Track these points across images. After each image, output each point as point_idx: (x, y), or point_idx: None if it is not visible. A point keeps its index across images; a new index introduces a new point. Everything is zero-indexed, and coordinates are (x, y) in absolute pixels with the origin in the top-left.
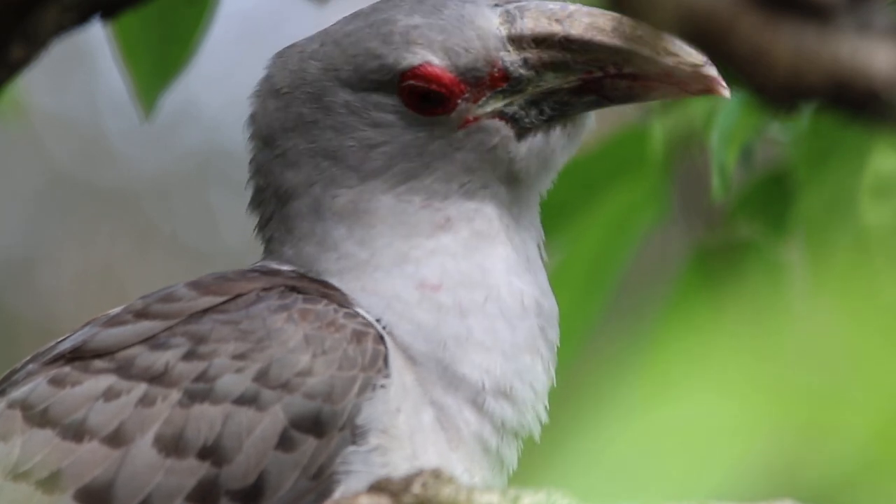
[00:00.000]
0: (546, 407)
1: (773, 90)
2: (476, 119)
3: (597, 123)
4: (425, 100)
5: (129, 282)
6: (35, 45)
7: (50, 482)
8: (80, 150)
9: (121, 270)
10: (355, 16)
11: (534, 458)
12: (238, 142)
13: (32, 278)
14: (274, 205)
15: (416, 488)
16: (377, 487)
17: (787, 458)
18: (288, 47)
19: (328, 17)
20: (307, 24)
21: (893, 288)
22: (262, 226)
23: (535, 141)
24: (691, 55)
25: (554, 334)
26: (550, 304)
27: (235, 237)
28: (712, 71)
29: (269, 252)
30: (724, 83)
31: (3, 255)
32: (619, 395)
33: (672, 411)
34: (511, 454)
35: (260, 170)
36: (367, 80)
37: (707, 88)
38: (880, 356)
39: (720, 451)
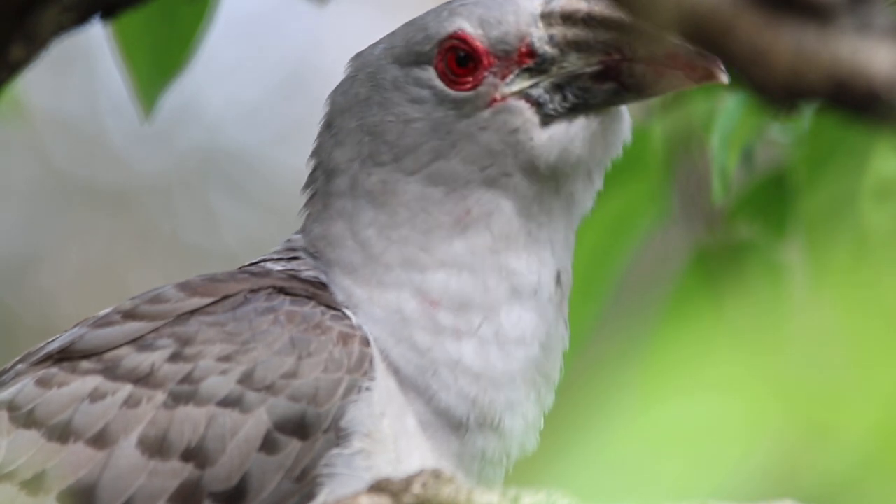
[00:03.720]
0: (537, 436)
1: (773, 90)
2: (503, 98)
3: None
4: (459, 64)
5: (129, 282)
6: (35, 45)
7: (34, 483)
8: (80, 150)
9: (121, 270)
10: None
11: (534, 457)
12: (238, 142)
13: (32, 278)
14: (320, 182)
15: (417, 488)
16: (377, 487)
17: (787, 459)
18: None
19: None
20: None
21: (893, 289)
22: (307, 203)
23: (557, 129)
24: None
25: (555, 364)
26: (558, 333)
27: (235, 237)
28: (712, 56)
29: (302, 230)
30: (722, 68)
31: (2, 255)
32: (620, 395)
33: (672, 411)
34: (496, 476)
35: (317, 150)
36: (413, 52)
37: (707, 73)
38: (880, 356)
39: (720, 451)
